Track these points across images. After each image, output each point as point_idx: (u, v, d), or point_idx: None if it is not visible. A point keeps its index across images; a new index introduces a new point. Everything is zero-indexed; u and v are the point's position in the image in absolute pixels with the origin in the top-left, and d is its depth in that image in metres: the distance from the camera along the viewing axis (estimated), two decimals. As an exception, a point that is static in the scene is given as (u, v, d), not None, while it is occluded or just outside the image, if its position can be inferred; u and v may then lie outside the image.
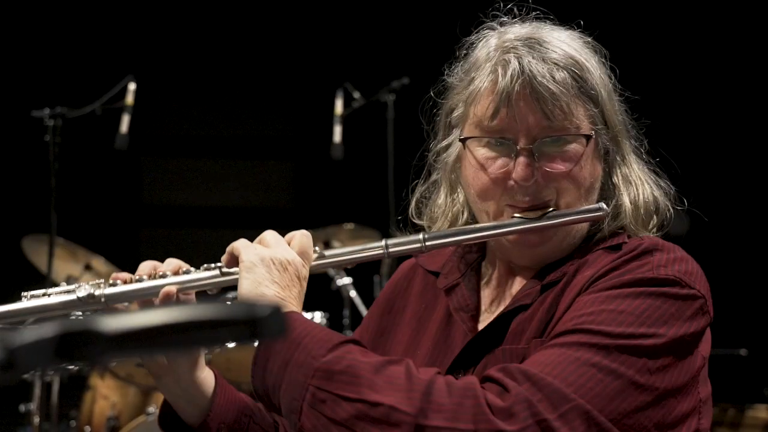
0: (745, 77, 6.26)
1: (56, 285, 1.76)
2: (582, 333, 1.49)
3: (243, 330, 0.87)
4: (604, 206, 1.68)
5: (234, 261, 1.67)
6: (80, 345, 0.82)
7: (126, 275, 1.72)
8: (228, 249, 1.69)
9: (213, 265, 1.71)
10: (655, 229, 1.75)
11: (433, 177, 1.87)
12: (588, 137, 1.67)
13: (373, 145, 5.41)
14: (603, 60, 1.75)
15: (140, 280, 1.70)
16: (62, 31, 6.84)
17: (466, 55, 1.79)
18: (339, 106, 5.11)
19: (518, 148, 1.66)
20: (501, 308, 1.74)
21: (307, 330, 1.52)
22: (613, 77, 1.76)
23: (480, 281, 1.84)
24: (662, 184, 1.79)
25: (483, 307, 1.80)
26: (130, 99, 4.62)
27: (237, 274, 1.65)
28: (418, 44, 6.20)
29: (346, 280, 4.84)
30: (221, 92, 7.17)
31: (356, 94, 5.23)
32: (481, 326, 1.75)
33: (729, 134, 6.27)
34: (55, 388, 4.82)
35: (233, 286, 1.69)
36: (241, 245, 1.66)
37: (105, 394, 4.75)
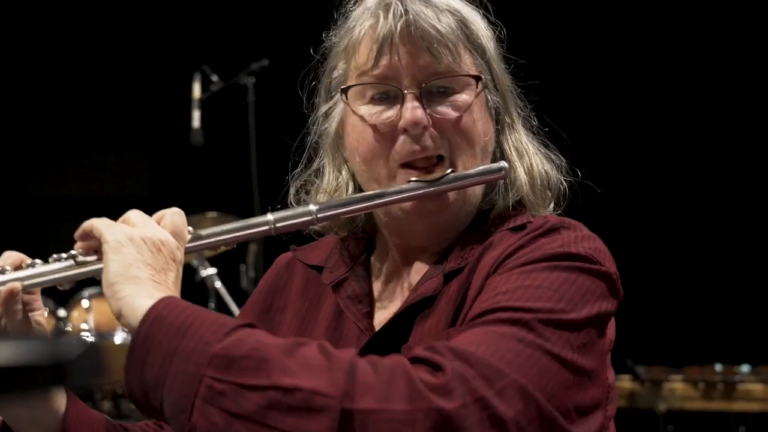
0: (631, 40, 6.21)
1: None
2: (501, 311, 1.36)
3: (44, 376, 0.71)
4: (505, 164, 1.57)
5: (92, 245, 1.43)
6: None
7: None
8: (84, 227, 1.43)
9: (65, 254, 1.45)
10: (552, 206, 1.67)
11: (316, 164, 1.72)
12: (477, 78, 1.59)
13: (234, 130, 5.26)
14: (488, 16, 1.67)
15: None
16: None
17: (344, 18, 1.67)
18: (197, 90, 5.06)
19: (404, 92, 1.55)
20: (398, 302, 1.61)
21: (195, 314, 1.28)
22: (503, 37, 1.69)
23: (371, 275, 1.70)
24: (552, 157, 1.70)
25: (377, 303, 1.65)
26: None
27: (96, 263, 1.41)
28: (277, 24, 6.06)
29: (211, 271, 4.69)
30: (69, 77, 6.81)
31: (214, 77, 5.17)
32: (377, 323, 1.61)
33: (617, 102, 6.22)
34: None
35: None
36: (101, 224, 1.41)
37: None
